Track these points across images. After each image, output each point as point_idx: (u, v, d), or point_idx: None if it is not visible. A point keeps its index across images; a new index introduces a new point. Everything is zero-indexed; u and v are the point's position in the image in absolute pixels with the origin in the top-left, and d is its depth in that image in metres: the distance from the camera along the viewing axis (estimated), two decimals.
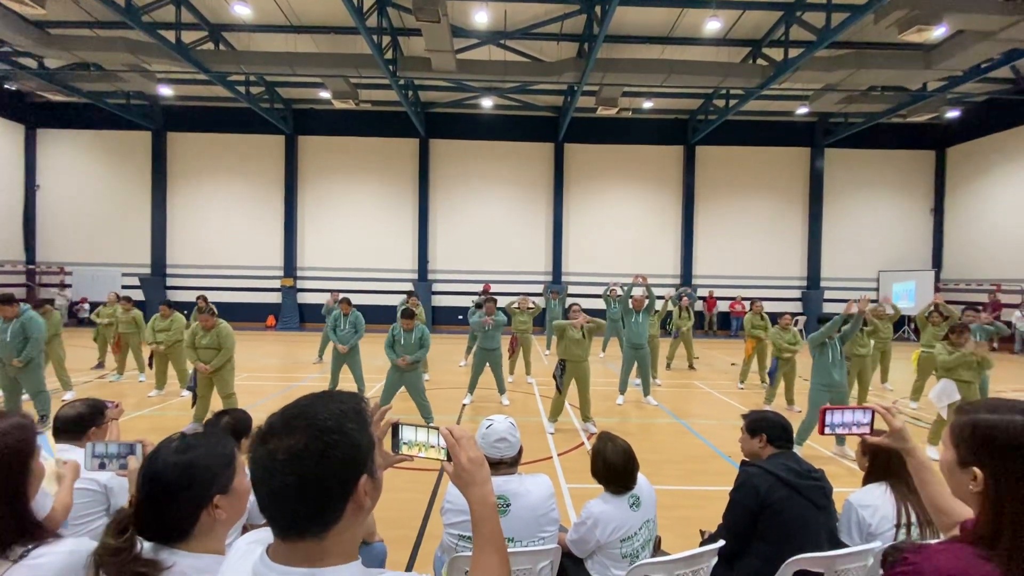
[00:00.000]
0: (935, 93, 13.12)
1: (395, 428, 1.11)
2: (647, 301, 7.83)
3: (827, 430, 1.51)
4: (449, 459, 1.11)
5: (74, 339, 10.58)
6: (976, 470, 0.98)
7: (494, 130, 17.42)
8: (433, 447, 1.11)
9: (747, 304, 9.01)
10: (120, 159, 17.39)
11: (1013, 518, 0.91)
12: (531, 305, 9.91)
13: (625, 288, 8.03)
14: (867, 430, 1.50)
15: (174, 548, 1.15)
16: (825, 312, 8.50)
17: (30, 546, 1.08)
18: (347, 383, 7.70)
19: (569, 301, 11.22)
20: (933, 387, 5.76)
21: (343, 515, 0.85)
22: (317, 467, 0.82)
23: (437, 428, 1.11)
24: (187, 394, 7.37)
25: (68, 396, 7.43)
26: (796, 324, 8.40)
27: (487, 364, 7.54)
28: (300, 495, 0.81)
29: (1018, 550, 0.88)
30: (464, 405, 7.55)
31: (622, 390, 7.90)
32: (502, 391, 7.75)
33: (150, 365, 8.03)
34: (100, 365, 9.77)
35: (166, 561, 1.11)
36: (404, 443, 1.11)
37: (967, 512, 1.35)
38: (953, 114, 15.67)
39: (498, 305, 8.10)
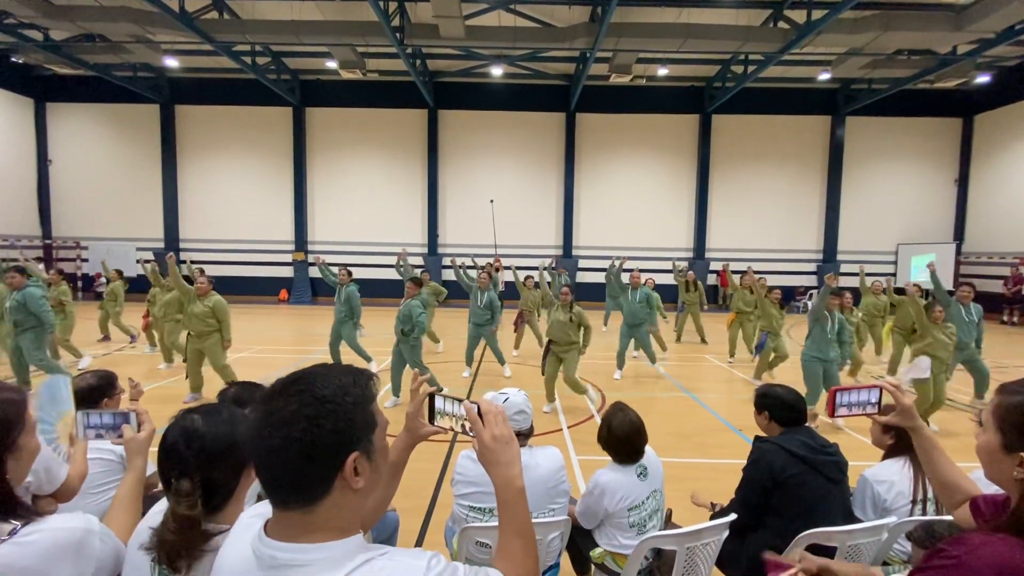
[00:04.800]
0: (965, 57, 12.53)
1: (431, 399, 1.07)
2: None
3: (838, 411, 1.46)
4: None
5: (91, 313, 10.78)
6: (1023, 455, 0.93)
7: (504, 100, 17.05)
8: (461, 419, 1.05)
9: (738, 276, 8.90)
10: (130, 132, 17.36)
11: None
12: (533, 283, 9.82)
13: (618, 263, 7.97)
14: (875, 409, 1.45)
15: (209, 519, 1.16)
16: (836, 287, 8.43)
17: (19, 524, 1.06)
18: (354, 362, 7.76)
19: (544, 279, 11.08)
20: (914, 361, 5.62)
21: (331, 490, 0.83)
22: (304, 433, 0.80)
23: (461, 400, 1.06)
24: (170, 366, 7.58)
25: (83, 363, 7.65)
26: (809, 297, 8.27)
27: (480, 339, 7.61)
28: (285, 459, 0.80)
29: None
30: (464, 377, 7.62)
31: (620, 365, 7.80)
32: (502, 362, 7.75)
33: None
34: (106, 338, 9.99)
35: (214, 528, 1.13)
36: (438, 414, 1.06)
37: (975, 489, 1.32)
38: (983, 79, 14.98)
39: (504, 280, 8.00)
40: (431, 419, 1.07)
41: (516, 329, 9.54)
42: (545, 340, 6.15)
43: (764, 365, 7.61)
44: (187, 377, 6.21)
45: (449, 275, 17.14)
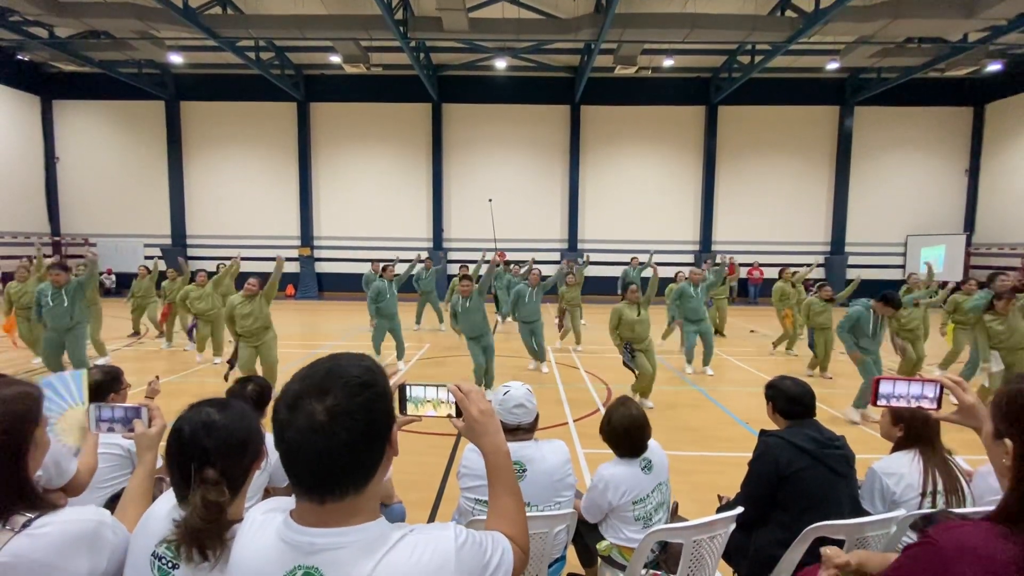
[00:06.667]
0: (976, 44, 12.31)
1: (402, 389, 1.13)
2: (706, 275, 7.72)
3: (881, 401, 1.42)
4: (458, 414, 1.14)
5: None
6: (1008, 442, 0.93)
7: (508, 93, 16.96)
8: (443, 403, 1.15)
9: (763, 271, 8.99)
10: (136, 129, 17.44)
11: None
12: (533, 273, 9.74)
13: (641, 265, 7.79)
14: (934, 405, 1.39)
15: None
16: (894, 294, 8.34)
17: (33, 516, 1.07)
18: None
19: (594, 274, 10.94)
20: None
21: (379, 467, 0.88)
22: (364, 421, 0.84)
23: (445, 385, 1.15)
24: (217, 361, 7.58)
25: (101, 362, 7.69)
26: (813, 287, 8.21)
27: (532, 334, 7.60)
28: (351, 453, 0.83)
29: None
30: (531, 369, 7.74)
31: (689, 360, 7.77)
32: (541, 359, 7.75)
33: (190, 334, 8.39)
34: (136, 334, 10.01)
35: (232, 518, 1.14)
36: (410, 402, 1.14)
37: None
38: (994, 67, 14.69)
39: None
40: (402, 409, 1.14)
41: (560, 326, 9.49)
42: (624, 347, 5.98)
43: (816, 360, 7.64)
44: (225, 378, 6.04)
45: (454, 270, 17.16)
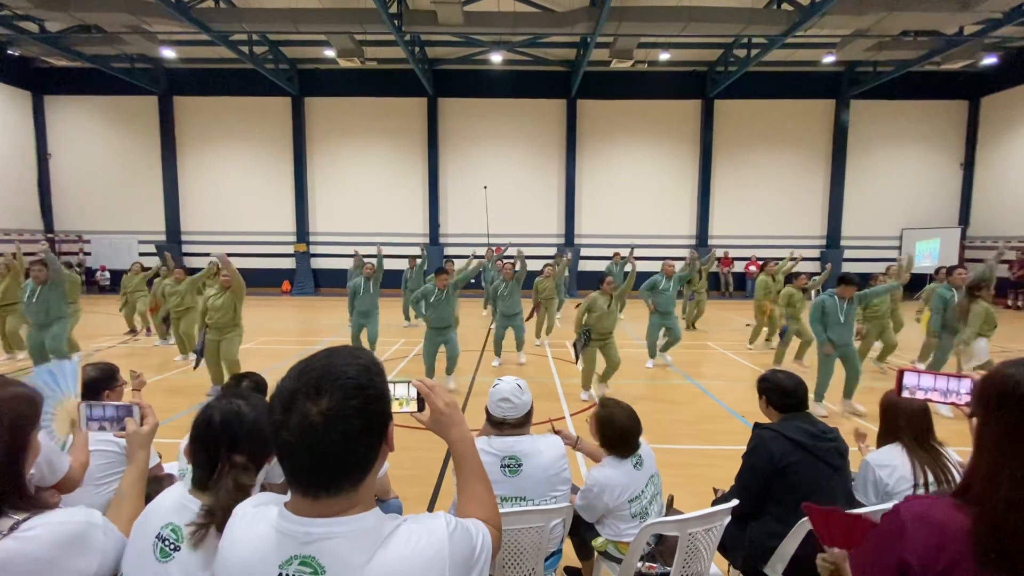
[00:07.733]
0: (972, 38, 12.32)
1: None
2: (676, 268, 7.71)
3: (905, 393, 1.42)
4: (420, 409, 1.18)
5: (95, 306, 10.80)
6: (974, 420, 1.00)
7: (504, 87, 16.89)
8: (408, 399, 1.19)
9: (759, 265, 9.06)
10: (129, 125, 17.29)
11: (984, 468, 0.92)
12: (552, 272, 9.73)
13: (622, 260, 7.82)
14: (963, 400, 1.39)
15: None
16: (849, 273, 8.34)
17: (21, 518, 1.06)
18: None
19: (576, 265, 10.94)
20: (974, 348, 5.66)
21: (375, 462, 0.89)
22: (359, 423, 0.84)
23: (409, 380, 1.19)
24: (191, 357, 7.54)
25: (75, 358, 7.64)
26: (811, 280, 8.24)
27: (509, 328, 7.64)
28: (346, 452, 0.84)
29: (984, 500, 0.89)
30: (494, 366, 7.67)
31: (652, 355, 7.78)
32: (519, 348, 7.83)
33: (166, 321, 8.40)
34: (132, 331, 9.93)
35: None
36: None
37: None
38: (990, 60, 14.72)
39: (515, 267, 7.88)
40: None
41: (530, 317, 9.51)
42: (581, 331, 5.97)
43: (783, 352, 7.65)
44: (195, 368, 6.15)
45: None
